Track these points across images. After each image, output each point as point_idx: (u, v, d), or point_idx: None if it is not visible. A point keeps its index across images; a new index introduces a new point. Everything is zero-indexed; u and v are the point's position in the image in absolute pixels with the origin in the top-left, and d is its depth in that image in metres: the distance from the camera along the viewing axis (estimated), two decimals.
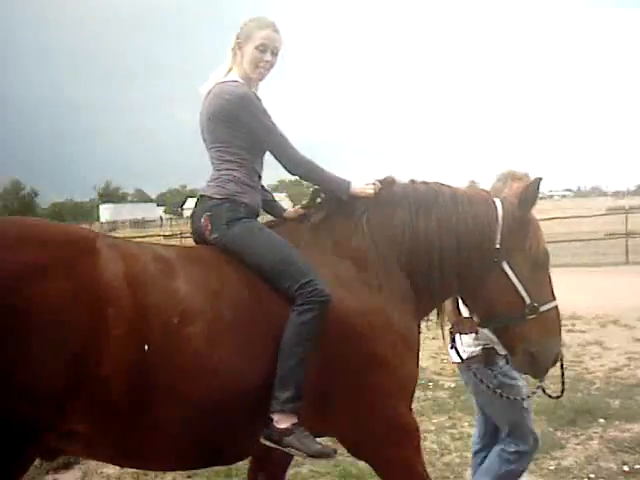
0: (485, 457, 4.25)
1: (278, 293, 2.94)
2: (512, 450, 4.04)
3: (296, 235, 3.20)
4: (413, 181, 3.41)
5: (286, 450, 2.85)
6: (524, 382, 4.02)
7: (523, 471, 4.15)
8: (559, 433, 5.61)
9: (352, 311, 3.02)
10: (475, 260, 3.29)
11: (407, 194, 3.31)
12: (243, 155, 3.17)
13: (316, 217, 3.27)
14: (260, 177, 3.30)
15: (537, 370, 3.45)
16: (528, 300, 3.33)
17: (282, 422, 2.83)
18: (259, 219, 3.29)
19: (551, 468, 4.96)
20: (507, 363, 3.87)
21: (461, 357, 3.84)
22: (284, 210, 3.51)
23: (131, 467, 3.73)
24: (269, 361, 2.83)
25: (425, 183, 3.40)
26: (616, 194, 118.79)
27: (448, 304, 3.68)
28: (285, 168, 3.25)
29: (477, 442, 4.44)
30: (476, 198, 3.39)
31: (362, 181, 3.32)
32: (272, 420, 2.83)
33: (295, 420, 2.85)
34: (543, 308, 3.36)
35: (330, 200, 3.30)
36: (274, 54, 3.26)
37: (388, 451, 3.09)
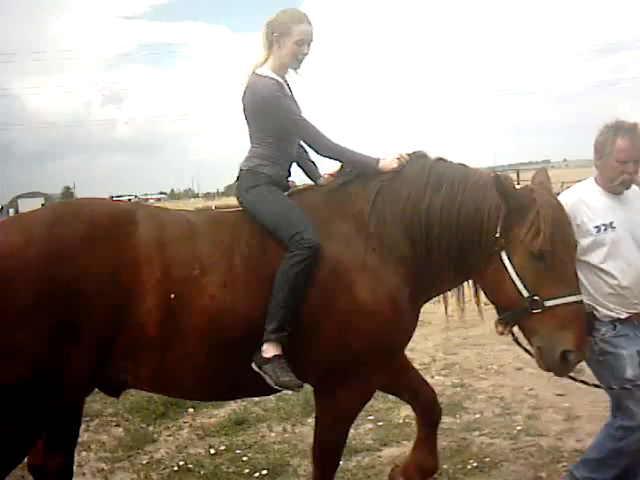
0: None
1: (280, 244, 3.37)
2: (617, 425, 3.74)
3: (315, 197, 3.66)
4: (440, 159, 3.59)
5: (263, 376, 3.25)
6: (639, 354, 3.65)
7: (636, 451, 3.70)
8: (151, 427, 5.74)
9: (342, 262, 3.38)
10: (474, 247, 3.35)
11: (425, 171, 3.50)
12: (269, 136, 3.63)
13: (334, 183, 3.66)
14: (290, 154, 3.72)
15: (546, 366, 3.32)
16: (525, 293, 3.23)
17: (267, 351, 3.25)
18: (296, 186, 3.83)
19: (144, 462, 5.05)
20: (614, 328, 3.66)
21: (528, 351, 3.56)
22: (320, 176, 3.88)
23: (171, 396, 4.45)
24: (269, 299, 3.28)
25: (449, 163, 3.57)
26: (207, 195, 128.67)
27: None
28: (317, 153, 3.70)
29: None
30: (486, 184, 3.35)
31: (390, 156, 3.60)
32: (261, 348, 3.25)
33: (277, 352, 3.25)
34: (549, 303, 3.20)
35: (352, 171, 3.63)
36: (309, 45, 3.67)
37: (347, 402, 3.51)
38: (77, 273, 3.09)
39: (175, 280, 3.23)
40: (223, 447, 5.23)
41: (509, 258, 3.25)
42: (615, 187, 3.74)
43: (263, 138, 3.66)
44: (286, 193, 3.69)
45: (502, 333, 3.44)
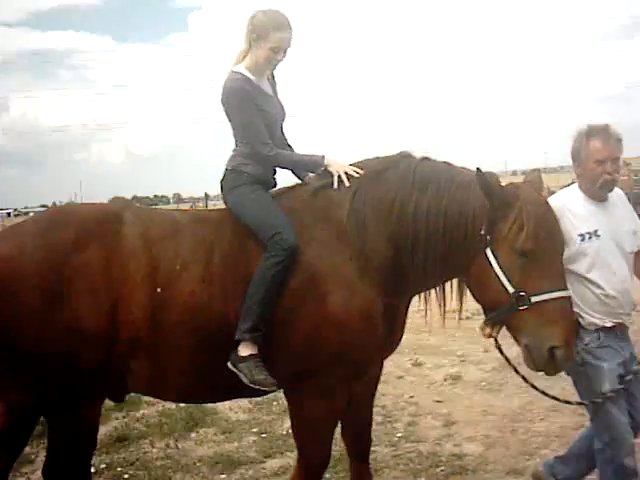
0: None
1: (259, 244, 3.38)
2: (598, 446, 3.64)
3: (297, 200, 3.61)
4: (425, 158, 3.53)
5: (238, 374, 3.27)
6: (619, 366, 3.57)
7: (616, 469, 3.58)
8: (28, 448, 5.45)
9: (317, 269, 3.35)
10: (460, 247, 3.30)
11: (410, 171, 3.44)
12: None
13: (317, 184, 3.58)
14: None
15: (534, 364, 3.22)
16: (511, 289, 3.18)
17: (243, 350, 3.28)
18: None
19: None
20: (598, 339, 3.58)
21: (506, 359, 3.60)
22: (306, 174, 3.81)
23: (169, 400, 4.37)
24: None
25: (434, 162, 3.51)
26: None
27: None
28: (261, 157, 3.62)
29: None
30: (471, 183, 3.29)
31: (337, 161, 3.58)
32: (237, 347, 3.28)
33: (253, 351, 3.28)
34: (535, 299, 3.14)
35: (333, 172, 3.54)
36: (285, 52, 3.66)
37: (312, 409, 3.43)
38: (71, 275, 3.22)
39: (160, 275, 3.33)
40: (104, 465, 5.07)
41: (494, 255, 3.21)
42: (598, 192, 3.68)
43: (241, 139, 3.68)
44: (272, 191, 3.72)
45: (490, 335, 3.39)
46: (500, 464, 4.73)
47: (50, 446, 3.52)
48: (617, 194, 3.79)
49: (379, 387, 6.38)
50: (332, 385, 3.41)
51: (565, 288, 3.22)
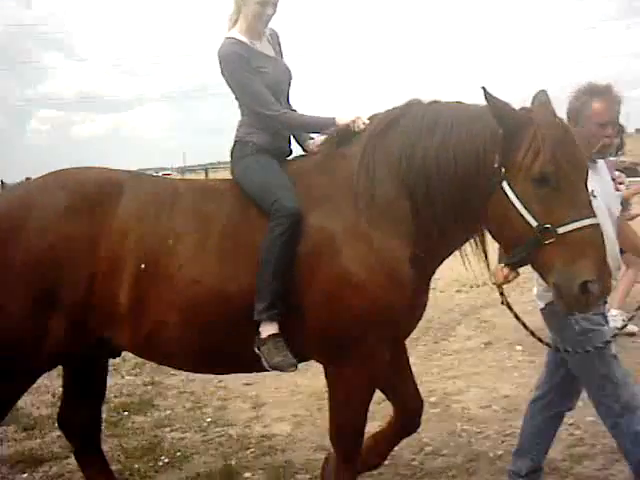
0: (551, 415, 3.79)
1: (262, 214, 3.22)
2: (618, 410, 3.43)
3: (306, 163, 3.49)
4: (434, 102, 3.28)
5: (261, 359, 3.14)
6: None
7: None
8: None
9: (327, 229, 3.15)
10: (475, 184, 3.03)
11: (418, 117, 3.21)
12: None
13: (327, 146, 3.40)
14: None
15: (567, 305, 2.90)
16: (534, 222, 2.88)
17: (263, 331, 3.13)
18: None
19: None
20: None
21: (516, 315, 3.39)
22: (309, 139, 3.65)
23: (158, 363, 3.92)
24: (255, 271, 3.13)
25: (444, 103, 3.26)
26: None
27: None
28: (265, 124, 3.45)
29: (541, 387, 3.88)
30: (483, 113, 3.04)
31: (347, 115, 3.37)
32: (258, 329, 3.13)
33: (274, 330, 3.13)
34: (562, 230, 2.83)
35: (343, 131, 3.35)
36: (275, 5, 3.50)
37: (351, 376, 3.22)
38: (56, 241, 3.20)
39: (148, 251, 3.23)
40: None
41: (511, 188, 2.93)
42: (593, 154, 3.52)
43: (246, 105, 3.53)
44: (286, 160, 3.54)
45: (506, 278, 3.17)
46: (308, 442, 4.88)
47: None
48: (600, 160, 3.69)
49: (187, 373, 6.45)
50: (367, 351, 3.19)
51: (593, 215, 2.90)
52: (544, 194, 2.88)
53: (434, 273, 3.40)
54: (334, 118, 3.40)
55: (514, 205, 2.91)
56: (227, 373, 4.23)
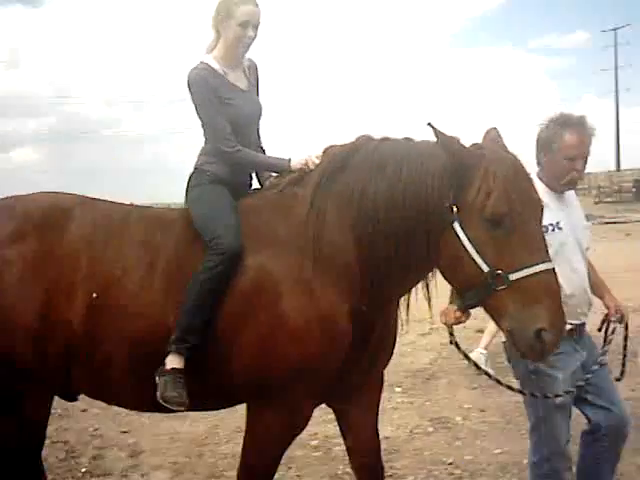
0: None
1: (205, 248, 3.09)
2: (534, 460, 3.47)
3: (259, 200, 3.32)
4: (385, 138, 3.13)
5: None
6: (572, 375, 3.40)
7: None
8: None
9: (270, 273, 3.03)
10: (425, 223, 2.88)
11: (369, 155, 3.06)
12: None
13: (284, 181, 3.26)
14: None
15: (522, 350, 2.81)
16: (485, 267, 2.75)
17: (168, 362, 3.02)
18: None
19: None
20: None
21: (465, 355, 3.40)
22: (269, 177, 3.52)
23: (112, 404, 3.74)
24: None
25: (394, 140, 3.11)
26: None
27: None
28: (226, 162, 3.36)
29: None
30: (434, 149, 2.90)
31: (304, 155, 3.27)
32: (165, 359, 3.02)
33: (177, 365, 3.01)
34: (514, 276, 2.72)
35: (297, 171, 3.25)
36: (255, 28, 3.34)
37: (270, 426, 3.09)
38: (2, 268, 3.13)
39: (99, 279, 3.14)
40: None
41: (462, 228, 2.80)
42: (560, 186, 3.47)
43: (205, 134, 3.44)
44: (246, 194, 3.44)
45: (458, 319, 3.11)
46: None
47: None
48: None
49: (61, 422, 6.17)
50: (292, 402, 3.07)
51: (547, 260, 2.80)
52: (496, 236, 2.76)
53: (395, 314, 3.30)
54: (289, 159, 3.34)
55: (465, 248, 2.79)
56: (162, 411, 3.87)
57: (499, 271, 2.75)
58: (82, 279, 3.15)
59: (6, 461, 3.32)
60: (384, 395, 6.63)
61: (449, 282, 3.02)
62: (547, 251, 2.85)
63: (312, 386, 3.07)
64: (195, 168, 3.49)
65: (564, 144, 3.37)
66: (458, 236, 2.81)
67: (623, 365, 3.59)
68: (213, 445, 5.58)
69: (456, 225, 2.81)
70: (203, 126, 3.44)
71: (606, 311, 3.55)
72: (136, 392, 3.27)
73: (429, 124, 2.82)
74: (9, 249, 3.17)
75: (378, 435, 3.48)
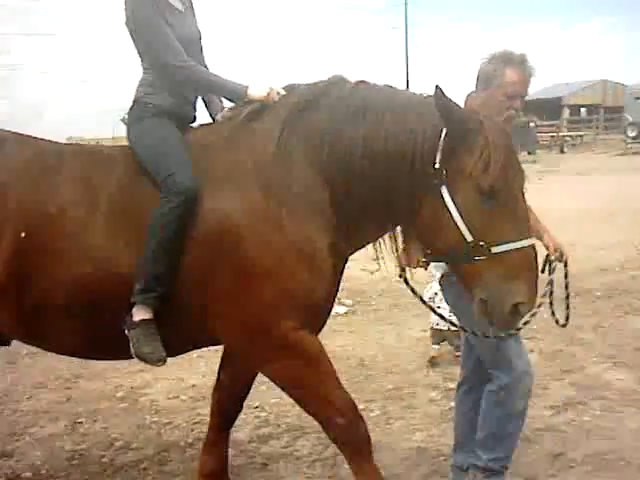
0: (468, 392, 3.69)
1: (155, 187, 2.90)
2: (497, 386, 3.33)
3: (211, 135, 3.12)
4: (361, 82, 2.98)
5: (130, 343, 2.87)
6: None
7: (522, 411, 3.37)
8: None
9: (232, 212, 2.84)
10: (405, 180, 2.77)
11: (345, 97, 2.92)
12: (154, 59, 3.10)
13: (237, 118, 3.04)
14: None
15: (491, 319, 2.80)
16: (469, 238, 2.69)
17: (135, 315, 2.86)
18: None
19: None
20: None
21: (413, 290, 3.22)
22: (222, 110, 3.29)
23: (45, 349, 3.42)
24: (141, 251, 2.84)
25: (373, 85, 2.97)
26: None
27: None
28: (171, 75, 3.08)
29: (461, 374, 3.78)
30: (420, 105, 2.81)
31: (262, 84, 3.02)
32: (131, 311, 2.85)
33: (145, 316, 2.85)
34: (497, 249, 2.69)
35: (248, 102, 3.03)
36: None
37: (282, 371, 2.97)
38: None
39: (29, 217, 2.91)
40: None
41: (451, 195, 2.69)
42: None
43: (147, 61, 3.17)
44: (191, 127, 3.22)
45: (416, 265, 3.03)
46: None
47: None
48: None
49: None
50: (287, 336, 2.90)
51: (530, 236, 2.77)
52: (485, 208, 2.70)
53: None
54: (247, 87, 3.06)
55: (451, 214, 2.71)
56: (105, 359, 3.82)
57: (482, 242, 2.70)
58: (7, 217, 2.92)
59: None
60: None
61: (422, 242, 2.95)
62: (529, 227, 2.82)
63: (302, 319, 2.91)
64: (134, 100, 3.22)
65: (505, 81, 3.29)
66: (444, 201, 2.72)
67: (567, 307, 3.45)
68: (13, 402, 5.34)
69: (444, 189, 2.72)
70: (146, 43, 3.14)
71: (546, 251, 3.41)
72: (77, 337, 3.06)
73: (437, 86, 2.67)
74: None
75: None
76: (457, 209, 2.71)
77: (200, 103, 3.41)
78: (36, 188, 2.98)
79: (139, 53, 3.22)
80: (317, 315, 3.01)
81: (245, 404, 3.73)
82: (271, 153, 2.91)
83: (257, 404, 4.95)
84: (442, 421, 4.64)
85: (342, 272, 3.10)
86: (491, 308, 2.77)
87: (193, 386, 5.60)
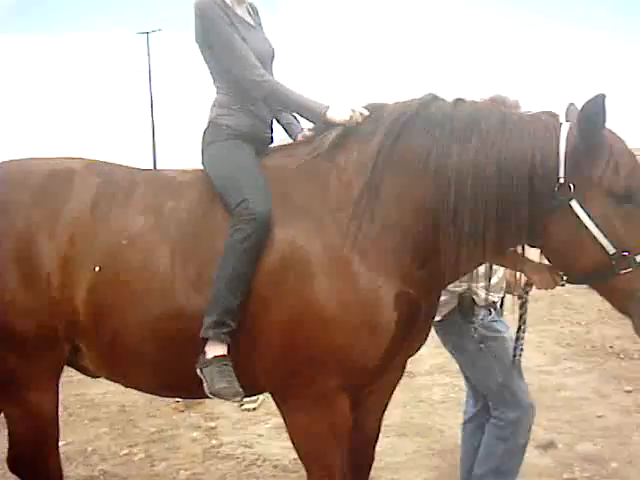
0: (477, 428, 3.63)
1: (228, 213, 2.77)
2: (502, 423, 3.38)
3: (293, 159, 2.89)
4: (460, 100, 2.75)
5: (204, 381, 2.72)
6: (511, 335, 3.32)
7: (524, 445, 3.46)
8: None
9: (302, 247, 2.66)
10: (525, 199, 2.53)
11: (446, 117, 2.67)
12: (229, 77, 2.98)
13: (321, 146, 2.82)
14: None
15: None
16: (611, 249, 2.50)
17: (209, 351, 2.71)
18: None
19: None
20: (490, 314, 3.42)
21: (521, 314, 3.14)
22: (301, 131, 3.13)
23: (127, 386, 3.31)
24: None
25: (473, 103, 2.76)
26: None
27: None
28: (247, 91, 2.93)
29: (469, 411, 3.75)
30: (533, 121, 2.63)
31: (343, 106, 2.81)
32: (204, 348, 2.71)
33: (220, 352, 2.70)
34: None
35: (327, 126, 2.84)
36: None
37: (304, 422, 2.78)
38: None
39: (102, 251, 2.84)
40: None
41: (582, 207, 2.52)
42: None
43: (221, 80, 3.03)
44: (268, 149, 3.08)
45: (556, 285, 2.85)
46: None
47: (9, 437, 3.10)
48: None
49: None
50: (325, 394, 2.73)
51: None
52: (624, 214, 2.54)
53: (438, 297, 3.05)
54: (327, 107, 2.86)
55: (587, 228, 2.54)
56: (176, 396, 3.81)
57: (626, 253, 2.53)
58: (81, 252, 2.87)
59: (21, 452, 3.10)
60: None
61: (557, 265, 2.79)
62: None
63: (347, 380, 2.73)
64: (209, 122, 3.07)
65: None
66: (577, 215, 2.55)
67: (514, 352, 3.30)
68: None
69: (574, 204, 2.55)
70: (220, 58, 2.97)
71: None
72: (144, 372, 3.00)
73: (571, 104, 2.74)
74: (5, 217, 2.90)
75: (380, 421, 3.22)
76: (592, 221, 2.54)
77: (275, 124, 3.27)
78: (107, 222, 2.90)
79: (211, 71, 3.09)
80: (367, 375, 2.81)
81: None
82: (358, 187, 2.73)
83: None
84: (205, 459, 4.85)
85: (417, 317, 2.82)
86: None
87: None
